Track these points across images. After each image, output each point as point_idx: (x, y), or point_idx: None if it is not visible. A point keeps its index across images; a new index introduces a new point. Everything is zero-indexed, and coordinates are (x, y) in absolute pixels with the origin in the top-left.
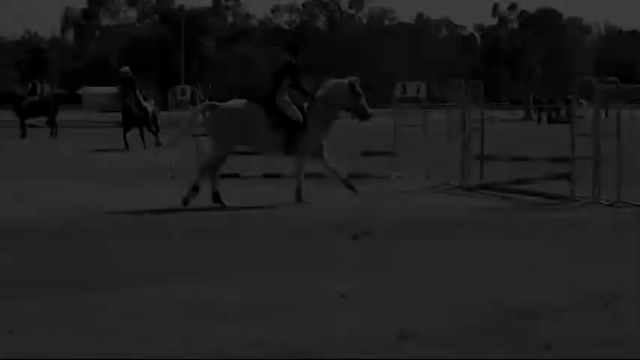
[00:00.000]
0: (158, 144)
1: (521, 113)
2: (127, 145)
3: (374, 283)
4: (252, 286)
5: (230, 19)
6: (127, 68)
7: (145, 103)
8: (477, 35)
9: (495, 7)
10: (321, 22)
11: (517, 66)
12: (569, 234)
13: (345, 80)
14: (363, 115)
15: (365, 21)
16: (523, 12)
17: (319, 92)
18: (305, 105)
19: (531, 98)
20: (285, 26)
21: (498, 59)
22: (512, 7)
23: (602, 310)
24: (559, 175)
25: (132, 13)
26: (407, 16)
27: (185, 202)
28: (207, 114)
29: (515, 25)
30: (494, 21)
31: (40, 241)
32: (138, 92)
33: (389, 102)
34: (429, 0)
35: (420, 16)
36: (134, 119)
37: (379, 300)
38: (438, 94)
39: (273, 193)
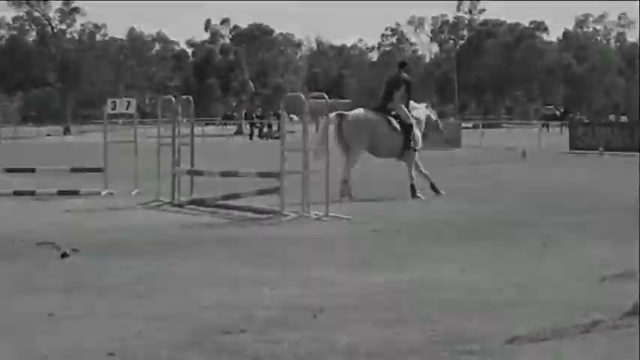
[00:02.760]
0: None
1: (233, 129)
2: None
3: (83, 301)
4: None
5: None
6: None
7: None
8: (189, 51)
9: (208, 22)
10: (31, 37)
11: (229, 81)
12: (278, 248)
13: (429, 112)
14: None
15: (77, 36)
16: (235, 27)
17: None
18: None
19: (243, 113)
20: None
21: (210, 74)
22: (225, 21)
23: (310, 322)
24: (269, 189)
25: None
26: (120, 31)
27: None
28: (339, 122)
29: (227, 40)
30: (207, 36)
31: None
32: None
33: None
34: (142, 15)
35: (131, 30)
36: None
37: (88, 319)
38: (150, 109)
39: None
